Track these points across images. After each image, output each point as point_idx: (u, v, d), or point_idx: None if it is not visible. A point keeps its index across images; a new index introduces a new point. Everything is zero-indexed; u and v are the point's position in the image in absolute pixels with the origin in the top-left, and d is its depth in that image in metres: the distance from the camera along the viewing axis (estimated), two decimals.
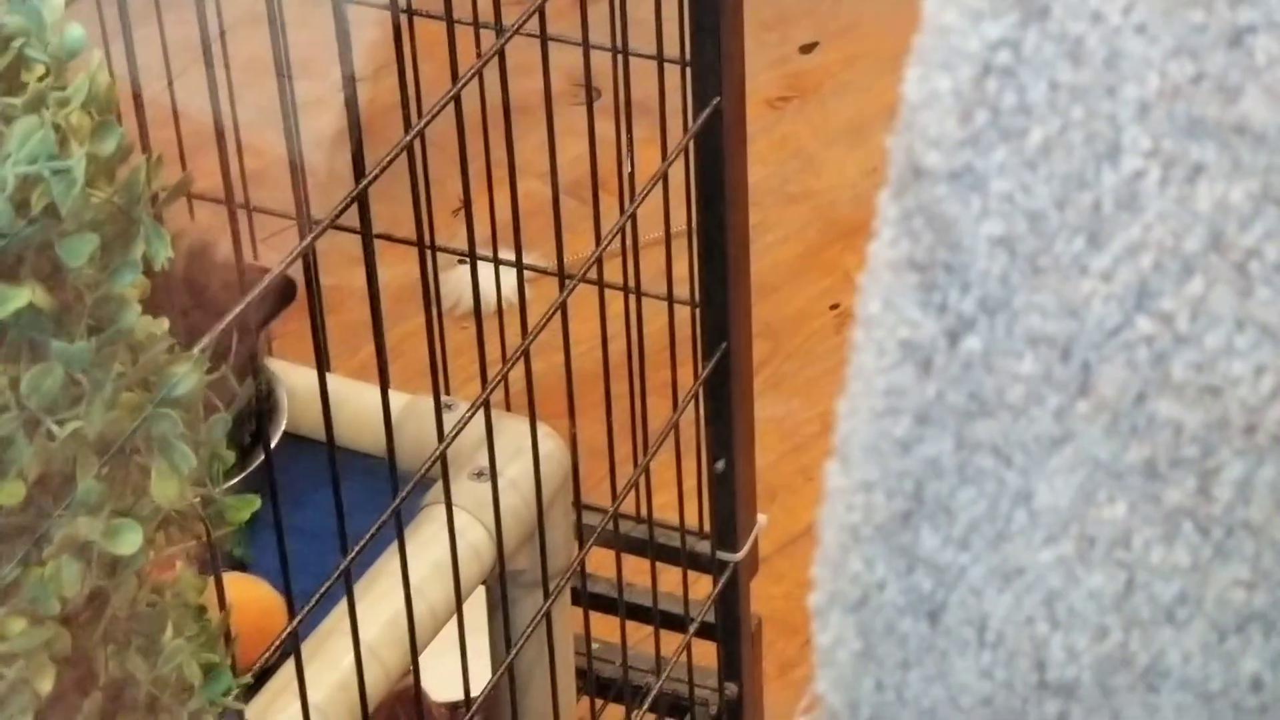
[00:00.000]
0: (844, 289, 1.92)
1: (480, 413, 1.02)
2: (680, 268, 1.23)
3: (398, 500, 0.96)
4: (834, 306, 1.91)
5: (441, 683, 1.15)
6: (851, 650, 0.44)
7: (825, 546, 0.45)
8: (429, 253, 1.21)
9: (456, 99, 0.99)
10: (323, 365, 0.90)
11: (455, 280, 1.86)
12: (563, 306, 1.08)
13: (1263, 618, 0.39)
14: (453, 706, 1.21)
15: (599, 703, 1.31)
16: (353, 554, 0.92)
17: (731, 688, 1.33)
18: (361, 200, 0.91)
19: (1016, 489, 0.41)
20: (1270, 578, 0.39)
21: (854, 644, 0.44)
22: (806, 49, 2.21)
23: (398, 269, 1.55)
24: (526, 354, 1.05)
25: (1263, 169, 0.38)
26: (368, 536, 0.94)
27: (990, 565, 0.42)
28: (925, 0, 0.42)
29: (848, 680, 0.45)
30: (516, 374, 1.06)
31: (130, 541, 0.66)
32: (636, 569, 1.28)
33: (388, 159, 0.93)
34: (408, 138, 0.94)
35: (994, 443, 0.41)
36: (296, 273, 1.01)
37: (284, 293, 1.15)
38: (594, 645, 1.27)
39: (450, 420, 1.00)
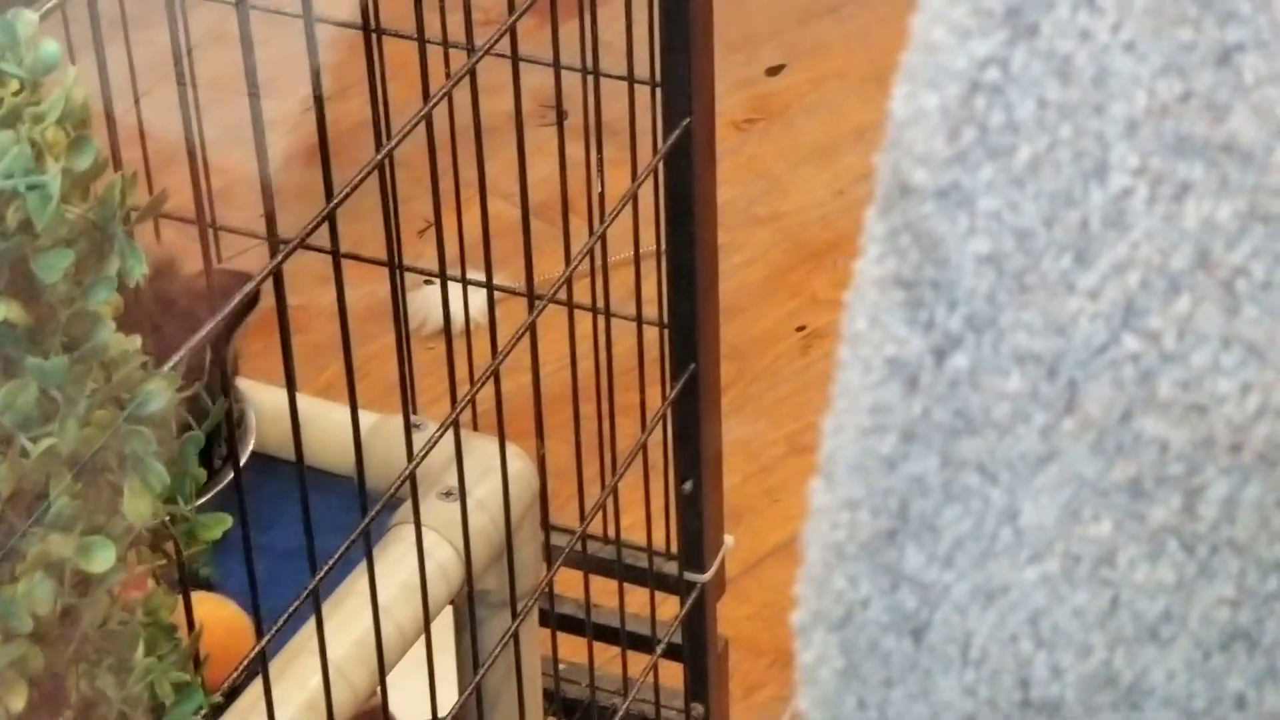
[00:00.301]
0: (811, 311, 1.92)
1: (449, 432, 1.02)
2: (648, 289, 1.24)
3: (367, 520, 0.96)
4: (800, 328, 1.91)
5: (409, 704, 1.15)
6: (834, 668, 0.44)
7: (809, 564, 0.45)
8: (398, 272, 1.22)
9: (428, 118, 0.99)
10: (292, 384, 0.90)
11: (422, 300, 1.86)
12: (532, 327, 1.08)
13: (1247, 636, 0.40)
14: None
15: None
16: (321, 573, 0.92)
17: (698, 708, 1.33)
18: (331, 219, 0.90)
19: (1002, 507, 0.42)
20: (1255, 596, 0.39)
21: (837, 662, 0.44)
22: (773, 71, 2.21)
23: (363, 289, 1.55)
24: (496, 374, 1.05)
25: (1250, 187, 0.38)
26: (336, 556, 0.94)
27: (975, 583, 0.42)
28: (914, 18, 0.42)
29: (830, 698, 0.45)
30: (485, 394, 1.06)
31: (103, 559, 0.66)
32: (604, 590, 1.28)
33: (359, 177, 0.93)
34: (379, 156, 0.94)
35: (980, 460, 0.41)
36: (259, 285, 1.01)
37: (246, 301, 1.15)
38: (561, 666, 1.27)
39: (419, 440, 1.00)
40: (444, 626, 1.12)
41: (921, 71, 0.42)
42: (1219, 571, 0.39)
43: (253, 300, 1.12)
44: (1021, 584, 0.42)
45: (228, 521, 0.78)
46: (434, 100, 0.99)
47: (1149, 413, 0.40)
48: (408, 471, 0.99)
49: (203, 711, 0.73)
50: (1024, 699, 0.42)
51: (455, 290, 1.20)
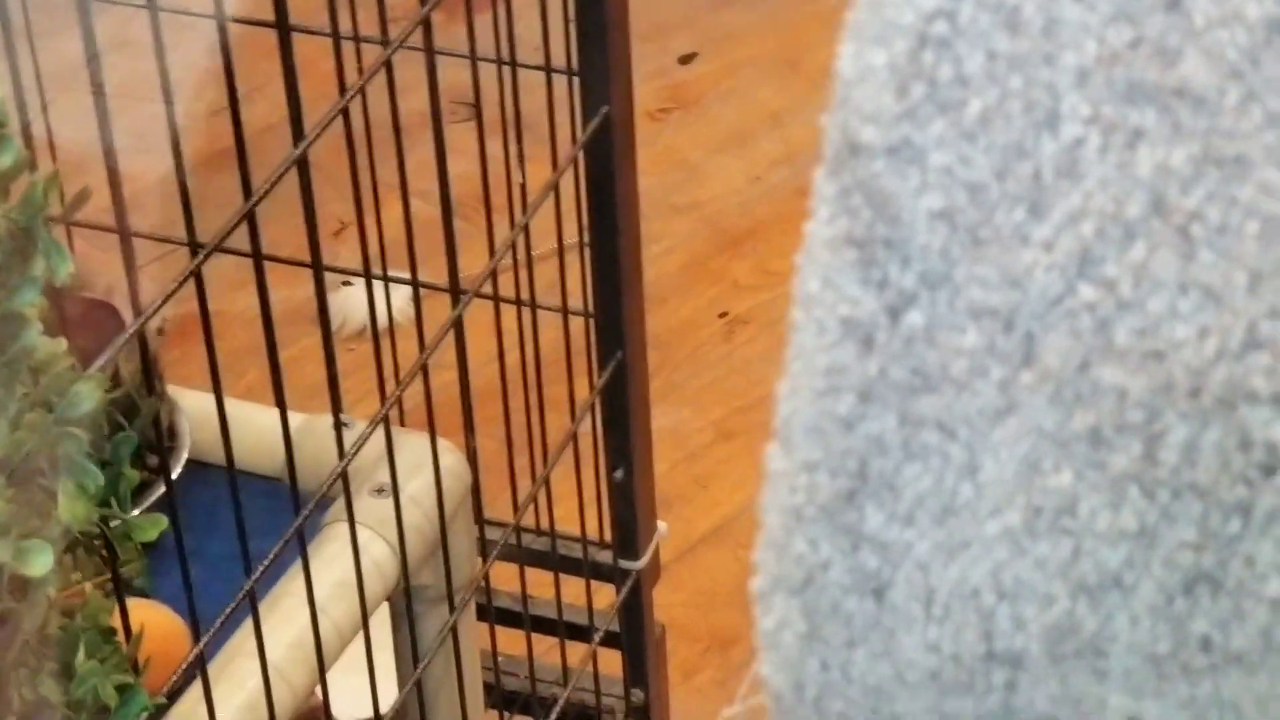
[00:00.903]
0: (733, 297, 1.92)
1: (378, 429, 1.01)
2: (573, 281, 1.23)
3: (299, 519, 0.95)
4: (723, 315, 1.91)
5: (349, 702, 1.14)
6: (796, 632, 0.44)
7: (768, 530, 0.45)
8: (320, 273, 1.20)
9: (345, 113, 0.98)
10: (219, 388, 0.89)
11: (341, 302, 1.85)
12: (458, 321, 1.08)
13: (1210, 579, 0.40)
14: None
15: (507, 715, 1.31)
16: (256, 574, 0.91)
17: (638, 694, 1.33)
18: (251, 219, 0.90)
19: (961, 463, 0.41)
20: (1217, 538, 0.39)
21: (798, 625, 0.44)
22: (685, 59, 2.21)
23: (278, 293, 1.54)
24: (424, 370, 1.04)
25: (1203, 131, 0.38)
26: (270, 557, 0.93)
27: (936, 540, 0.42)
28: None
29: (792, 662, 0.44)
30: (412, 391, 1.05)
31: (41, 563, 0.65)
32: (540, 582, 1.27)
33: (278, 173, 0.92)
34: (298, 151, 0.93)
35: (938, 417, 0.41)
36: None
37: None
38: (500, 659, 1.26)
39: (349, 438, 0.99)
40: (382, 624, 1.11)
41: (868, 29, 0.41)
42: (1181, 516, 0.40)
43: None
44: (983, 538, 0.42)
45: (163, 523, 0.77)
46: (352, 92, 0.98)
47: (1107, 361, 0.40)
48: (340, 469, 0.98)
49: (146, 713, 0.72)
50: (988, 652, 0.42)
51: (374, 291, 1.19)
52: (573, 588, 1.29)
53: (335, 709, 1.07)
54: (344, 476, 0.99)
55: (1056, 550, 0.41)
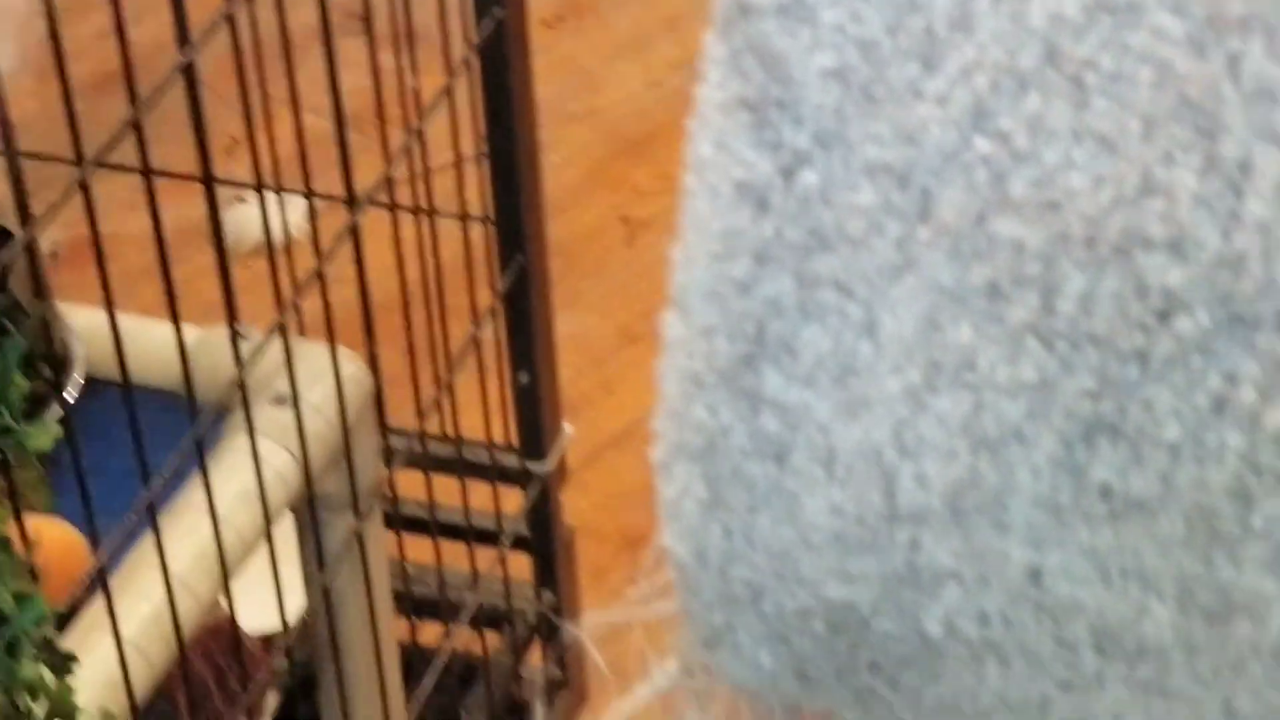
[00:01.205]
0: (634, 203, 1.91)
1: (277, 341, 1.00)
2: (472, 193, 1.22)
3: (198, 429, 0.94)
4: (624, 220, 1.91)
5: (255, 616, 1.13)
6: (698, 499, 0.44)
7: (667, 398, 0.44)
8: (211, 186, 1.19)
9: (231, 24, 0.96)
10: (110, 300, 0.88)
11: (234, 220, 1.82)
12: (355, 227, 1.06)
13: (1110, 427, 0.40)
14: (267, 639, 1.19)
15: (417, 622, 1.30)
16: (156, 484, 0.90)
17: (548, 596, 1.33)
18: (138, 130, 0.88)
19: (860, 322, 0.41)
20: (1116, 386, 0.39)
21: (700, 493, 0.44)
22: None
23: (170, 213, 1.52)
24: (322, 281, 1.03)
25: None
26: (169, 468, 0.92)
27: (837, 401, 0.42)
28: None
29: (695, 530, 0.44)
30: (311, 307, 1.04)
31: None
32: (447, 491, 1.27)
33: (163, 81, 0.90)
34: (184, 58, 0.92)
35: (835, 277, 0.41)
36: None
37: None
38: (408, 566, 1.26)
39: (247, 351, 0.98)
40: (288, 539, 1.10)
41: None
42: (1079, 366, 0.40)
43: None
44: (884, 397, 0.41)
45: (56, 430, 0.75)
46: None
47: (1003, 214, 0.40)
48: (238, 377, 0.97)
49: (45, 622, 0.71)
50: (891, 512, 0.42)
51: (269, 205, 1.17)
52: (480, 495, 1.28)
53: (244, 623, 1.06)
54: (242, 386, 0.98)
55: (957, 406, 0.41)
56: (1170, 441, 0.39)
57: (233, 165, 1.86)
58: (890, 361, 0.41)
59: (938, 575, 0.42)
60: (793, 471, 0.43)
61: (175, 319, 0.93)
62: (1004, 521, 0.41)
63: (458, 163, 1.22)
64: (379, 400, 1.13)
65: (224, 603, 1.03)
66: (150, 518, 0.91)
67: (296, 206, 1.72)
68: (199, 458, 0.94)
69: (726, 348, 0.43)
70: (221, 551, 0.97)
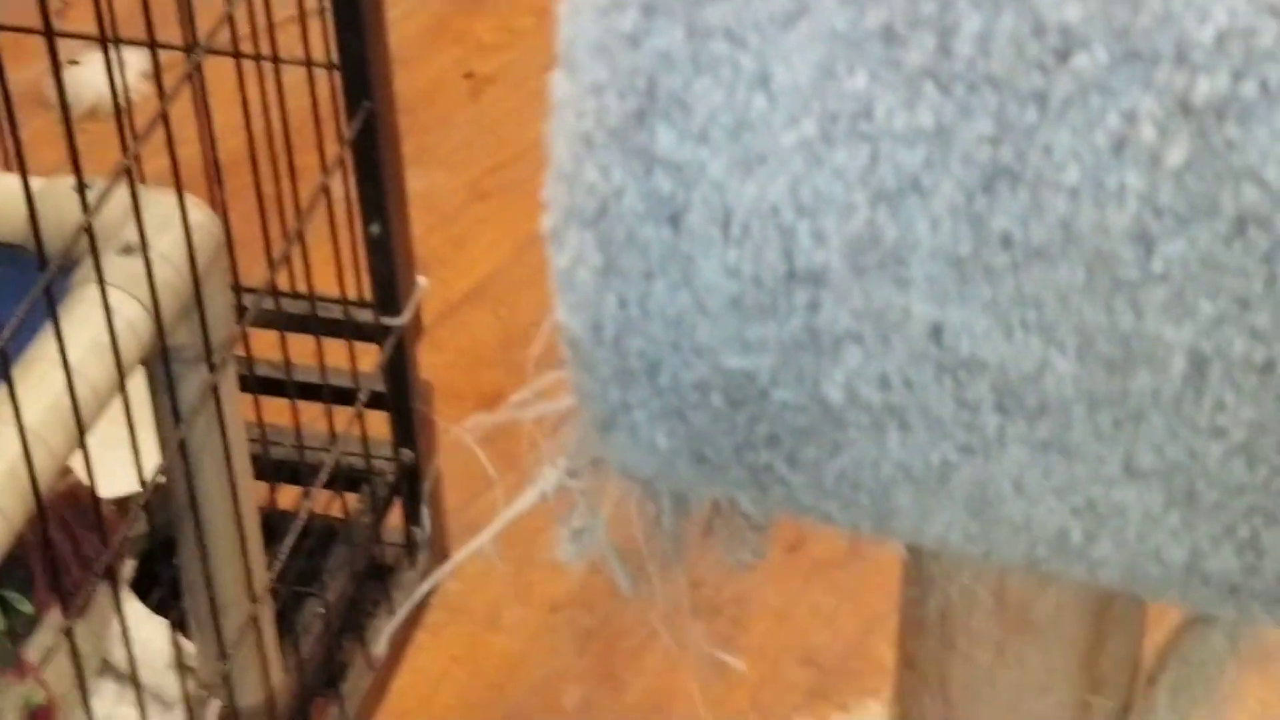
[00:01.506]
0: (477, 57, 1.88)
1: (123, 190, 0.97)
2: (317, 47, 1.19)
3: (45, 278, 0.91)
4: (468, 75, 1.88)
5: (110, 482, 1.10)
6: (591, 267, 0.43)
7: (557, 161, 0.43)
8: (52, 40, 1.14)
9: None
10: None
11: (70, 82, 1.77)
12: (198, 67, 1.03)
13: (1009, 172, 0.39)
14: (123, 502, 1.16)
15: (275, 484, 1.29)
16: (5, 335, 0.87)
17: (407, 453, 1.32)
18: None
19: (753, 73, 0.40)
20: (1015, 129, 0.39)
21: (594, 260, 0.43)
22: None
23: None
24: (166, 120, 1.00)
25: None
26: (17, 318, 0.89)
27: (731, 157, 0.41)
28: None
29: (589, 300, 0.43)
30: (158, 164, 1.01)
31: None
32: (302, 350, 1.25)
33: None
34: None
35: (726, 26, 0.40)
36: None
37: None
38: (265, 428, 1.24)
39: (93, 199, 0.95)
40: (142, 398, 1.08)
41: None
42: (977, 109, 0.39)
43: None
44: (779, 151, 0.40)
45: None
46: None
47: None
48: (84, 223, 0.94)
49: None
50: (789, 271, 0.41)
51: (109, 57, 1.14)
52: (336, 353, 1.26)
53: (100, 488, 1.03)
54: (89, 233, 0.95)
55: (854, 157, 0.40)
56: (1070, 185, 0.39)
57: (66, 27, 1.80)
58: (785, 114, 0.40)
59: (837, 338, 0.41)
60: (688, 233, 0.42)
61: (23, 169, 0.90)
62: (904, 277, 0.40)
63: (301, 15, 1.18)
64: (231, 257, 1.10)
65: (78, 469, 1.01)
66: (3, 370, 0.88)
67: (134, 70, 1.67)
68: (50, 308, 0.92)
69: (617, 105, 0.41)
70: (75, 403, 0.94)
